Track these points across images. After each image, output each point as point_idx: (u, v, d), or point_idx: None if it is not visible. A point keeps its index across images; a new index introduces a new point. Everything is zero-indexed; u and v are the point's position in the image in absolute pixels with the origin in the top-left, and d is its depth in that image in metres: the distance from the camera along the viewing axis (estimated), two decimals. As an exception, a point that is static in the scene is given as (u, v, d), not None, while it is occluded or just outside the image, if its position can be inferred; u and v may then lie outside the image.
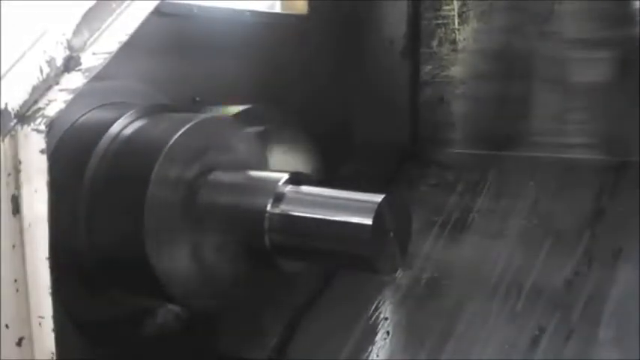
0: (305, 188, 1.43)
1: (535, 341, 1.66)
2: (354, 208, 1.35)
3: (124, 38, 1.20)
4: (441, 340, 1.74)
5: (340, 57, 2.32)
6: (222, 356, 1.85)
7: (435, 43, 2.28)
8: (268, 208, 1.39)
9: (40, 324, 1.08)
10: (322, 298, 1.97)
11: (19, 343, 1.08)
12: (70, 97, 1.10)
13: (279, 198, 1.40)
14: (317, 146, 1.88)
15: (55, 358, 1.08)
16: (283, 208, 1.39)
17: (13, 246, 1.06)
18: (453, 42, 2.25)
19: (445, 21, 2.26)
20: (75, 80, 1.13)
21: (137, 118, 1.48)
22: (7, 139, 1.04)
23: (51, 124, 1.07)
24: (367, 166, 2.22)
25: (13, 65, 1.09)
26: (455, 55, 2.26)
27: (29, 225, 1.06)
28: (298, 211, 1.38)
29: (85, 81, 1.13)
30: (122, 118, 1.46)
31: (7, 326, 1.06)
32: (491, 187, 2.10)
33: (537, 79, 2.12)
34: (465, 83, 2.25)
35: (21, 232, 1.07)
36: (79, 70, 1.14)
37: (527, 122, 2.14)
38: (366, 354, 1.78)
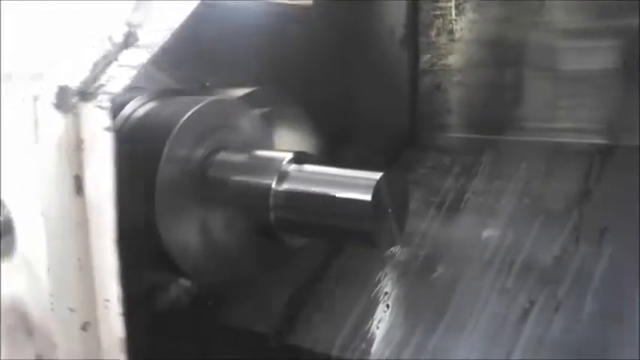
0: (308, 167, 1.41)
1: (525, 313, 1.65)
2: (354, 185, 1.33)
3: (184, 16, 1.13)
4: (437, 313, 1.73)
5: (343, 46, 2.30)
6: (230, 328, 1.84)
7: (433, 33, 2.26)
8: (273, 185, 1.38)
9: (106, 307, 1.01)
10: (326, 274, 1.95)
11: (84, 328, 1.02)
12: (133, 72, 1.03)
13: (283, 176, 1.39)
14: (320, 129, 1.87)
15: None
16: (287, 185, 1.38)
17: (77, 225, 1.00)
18: (451, 32, 2.23)
19: (443, 12, 2.23)
20: (135, 56, 1.07)
21: (149, 101, 1.47)
22: (69, 117, 0.98)
23: (114, 101, 0.98)
24: (368, 149, 2.21)
25: (72, 42, 1.02)
26: (452, 44, 2.24)
27: (92, 205, 1.00)
28: (301, 189, 1.37)
29: (148, 56, 1.06)
30: (134, 100, 1.45)
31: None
32: (485, 169, 2.08)
33: (529, 67, 2.10)
34: (462, 71, 2.24)
35: (84, 211, 1.00)
36: (138, 46, 1.08)
37: (520, 108, 2.12)
38: (368, 325, 1.77)
